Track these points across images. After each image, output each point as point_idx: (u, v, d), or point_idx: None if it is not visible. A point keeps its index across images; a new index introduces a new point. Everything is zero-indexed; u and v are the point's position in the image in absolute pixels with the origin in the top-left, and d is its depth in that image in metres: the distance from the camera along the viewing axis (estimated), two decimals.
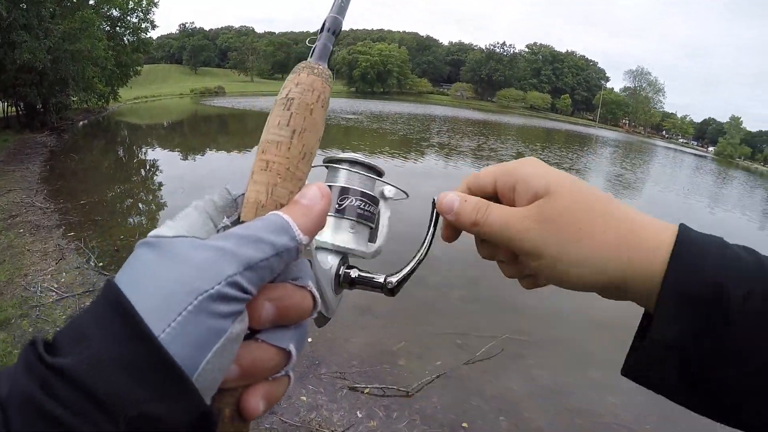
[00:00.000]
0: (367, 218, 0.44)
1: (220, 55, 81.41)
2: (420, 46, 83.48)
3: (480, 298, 4.70)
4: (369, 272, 0.43)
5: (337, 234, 0.43)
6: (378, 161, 0.47)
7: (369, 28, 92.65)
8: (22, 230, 5.35)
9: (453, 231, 0.42)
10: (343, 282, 0.42)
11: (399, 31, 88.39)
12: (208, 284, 0.24)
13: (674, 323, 0.33)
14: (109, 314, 0.23)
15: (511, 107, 70.96)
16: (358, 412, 2.83)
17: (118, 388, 0.21)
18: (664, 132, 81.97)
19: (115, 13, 20.91)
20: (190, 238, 0.26)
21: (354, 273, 0.43)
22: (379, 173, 0.46)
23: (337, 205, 0.43)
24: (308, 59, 0.35)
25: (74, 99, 16.39)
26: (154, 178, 9.76)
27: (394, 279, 0.43)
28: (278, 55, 77.73)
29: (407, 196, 0.48)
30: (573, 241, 0.36)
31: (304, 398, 2.90)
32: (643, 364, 0.35)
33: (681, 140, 79.01)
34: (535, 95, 75.07)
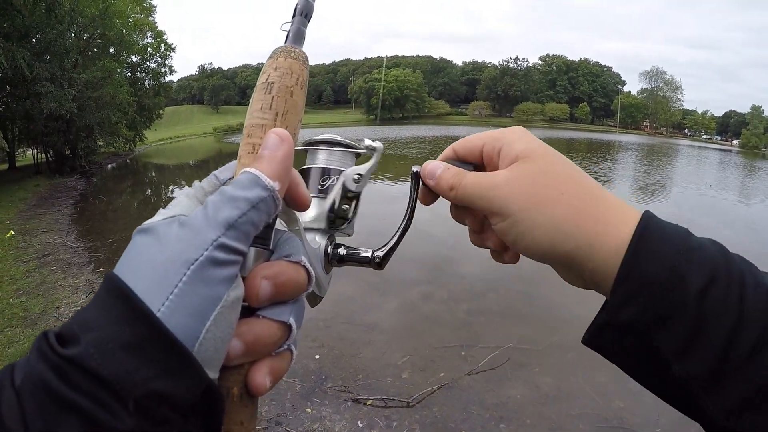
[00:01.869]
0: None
1: (240, 92, 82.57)
2: (434, 69, 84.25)
3: (486, 310, 4.71)
4: (356, 248, 0.44)
5: (321, 213, 0.43)
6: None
7: (382, 56, 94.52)
8: (54, 267, 5.71)
9: (431, 196, 0.43)
10: (332, 260, 0.43)
11: (412, 56, 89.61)
12: (196, 253, 0.24)
13: (631, 305, 0.31)
14: (109, 301, 0.23)
15: (530, 121, 70.25)
16: (359, 422, 2.93)
17: (123, 368, 0.21)
18: (686, 130, 79.34)
19: (135, 59, 21.92)
20: (176, 217, 0.27)
21: (342, 250, 0.43)
22: (357, 150, 0.47)
23: (319, 186, 0.44)
24: (284, 43, 0.36)
25: (101, 143, 17.10)
26: None
27: (380, 252, 0.44)
28: None
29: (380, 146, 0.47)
30: (538, 203, 0.35)
31: (309, 410, 3.02)
32: (604, 340, 0.34)
33: (704, 136, 75.95)
34: (553, 106, 74.41)
